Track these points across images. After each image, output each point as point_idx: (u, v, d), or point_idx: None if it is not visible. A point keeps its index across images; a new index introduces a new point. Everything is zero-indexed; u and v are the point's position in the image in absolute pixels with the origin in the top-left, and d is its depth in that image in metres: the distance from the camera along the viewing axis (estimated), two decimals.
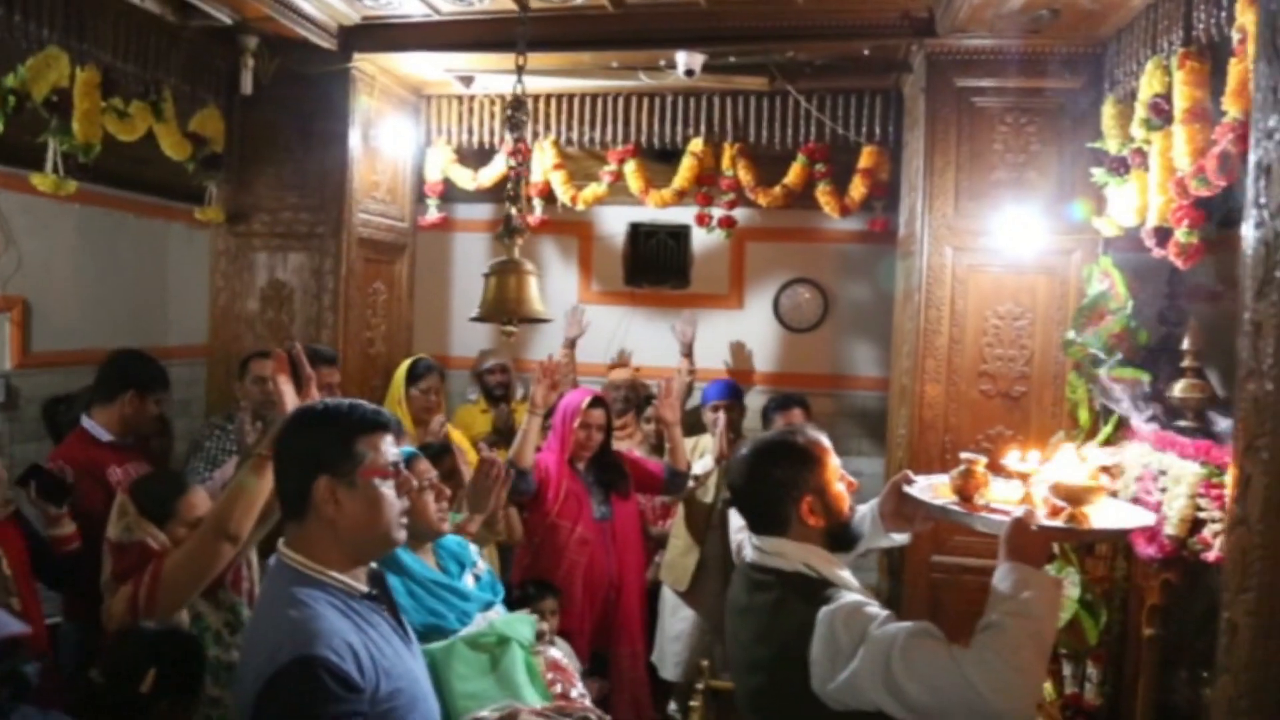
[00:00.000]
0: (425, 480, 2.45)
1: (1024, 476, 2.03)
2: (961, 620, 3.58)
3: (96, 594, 2.41)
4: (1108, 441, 3.13)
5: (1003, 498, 2.01)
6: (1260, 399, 0.97)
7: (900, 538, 2.18)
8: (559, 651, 2.66)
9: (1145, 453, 2.88)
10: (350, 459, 1.69)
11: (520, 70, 2.70)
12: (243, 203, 4.41)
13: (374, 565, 1.83)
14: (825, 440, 2.01)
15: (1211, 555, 2.36)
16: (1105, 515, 1.91)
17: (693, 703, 3.14)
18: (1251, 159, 1.01)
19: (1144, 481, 2.80)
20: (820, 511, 1.91)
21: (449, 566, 2.59)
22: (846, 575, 1.90)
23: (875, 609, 1.75)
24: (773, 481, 1.93)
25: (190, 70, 4.02)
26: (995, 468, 2.09)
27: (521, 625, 2.46)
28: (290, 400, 2.23)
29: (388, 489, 1.74)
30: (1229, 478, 2.34)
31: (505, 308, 2.78)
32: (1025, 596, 1.66)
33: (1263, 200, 0.98)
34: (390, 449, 1.76)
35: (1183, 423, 2.89)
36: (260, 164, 4.39)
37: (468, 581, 2.57)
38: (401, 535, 1.79)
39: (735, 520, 3.55)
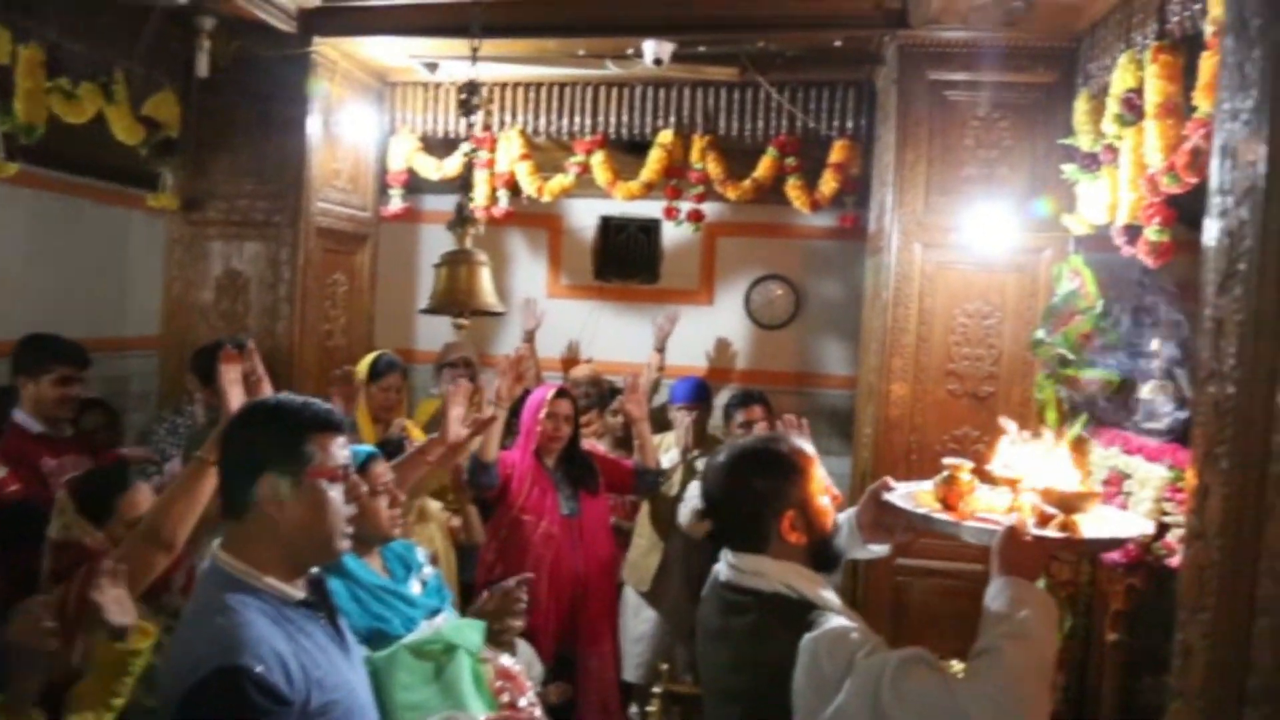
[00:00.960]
0: (380, 484, 2.37)
1: (1012, 483, 1.94)
2: (925, 624, 3.57)
3: (35, 557, 2.31)
4: (1076, 442, 3.08)
5: (988, 505, 1.92)
6: (1220, 403, 0.90)
7: (879, 549, 2.05)
8: (510, 659, 2.57)
9: (1112, 455, 2.84)
10: (298, 458, 1.63)
11: (475, 53, 2.61)
12: (198, 189, 4.28)
13: (314, 570, 1.75)
14: (810, 449, 1.88)
15: (1176, 561, 2.31)
16: (1099, 523, 1.81)
17: (650, 707, 3.06)
18: (1216, 142, 0.93)
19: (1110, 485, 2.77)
20: (802, 528, 1.78)
21: (395, 570, 2.51)
22: (830, 596, 1.76)
23: (861, 634, 1.63)
24: (752, 493, 1.80)
25: (144, 51, 3.89)
26: (980, 473, 1.99)
27: (470, 631, 2.37)
28: (237, 400, 2.15)
29: (335, 492, 1.67)
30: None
31: (456, 299, 2.69)
32: (1022, 616, 1.55)
33: (1226, 186, 0.90)
34: (341, 451, 1.70)
35: (1151, 425, 2.85)
36: (217, 150, 4.27)
37: (414, 587, 2.49)
38: (345, 545, 1.71)
39: (692, 488, 3.50)
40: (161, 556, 2.07)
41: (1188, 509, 0.95)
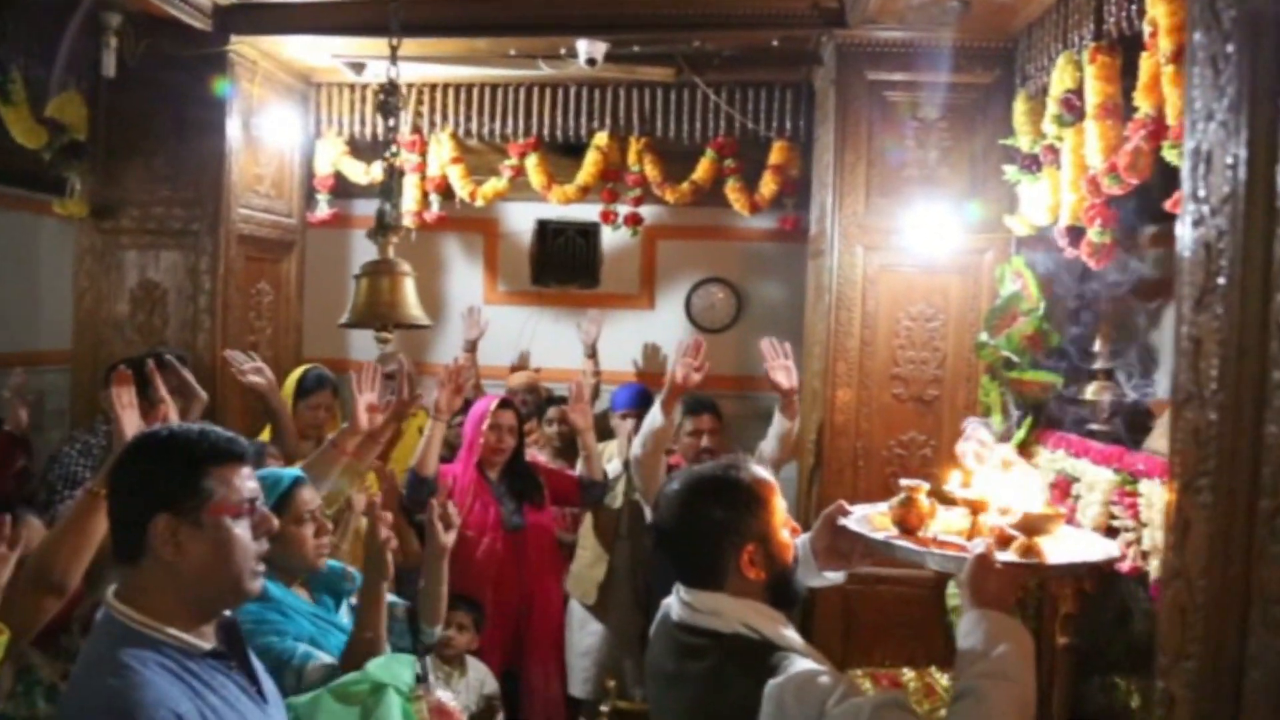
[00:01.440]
0: (307, 511, 2.22)
1: (972, 504, 1.88)
2: (876, 634, 3.51)
3: None
4: (1022, 445, 3.05)
5: (946, 527, 1.85)
6: (1201, 430, 0.82)
7: (835, 576, 1.93)
8: (448, 694, 2.44)
9: (1059, 458, 2.82)
10: (197, 494, 1.47)
11: (394, 52, 2.48)
12: (110, 196, 4.06)
13: (228, 614, 1.60)
14: (771, 478, 1.77)
15: (1125, 566, 2.29)
16: (1064, 545, 1.76)
17: None
18: (1188, 146, 0.86)
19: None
20: (762, 563, 1.66)
21: (323, 599, 2.37)
22: (792, 635, 1.65)
23: (830, 678, 1.52)
24: (711, 525, 1.68)
25: (47, 49, 3.67)
26: (936, 493, 1.93)
27: (400, 668, 2.23)
28: (131, 425, 1.99)
29: (241, 529, 1.51)
30: (1142, 488, 2.28)
31: (378, 312, 2.55)
32: (999, 653, 1.47)
33: (1202, 193, 0.83)
34: (246, 483, 1.54)
35: (1094, 426, 2.83)
36: (129, 154, 4.06)
37: (343, 616, 2.35)
38: (256, 585, 1.56)
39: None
40: (51, 600, 1.89)
41: (1166, 545, 0.87)
